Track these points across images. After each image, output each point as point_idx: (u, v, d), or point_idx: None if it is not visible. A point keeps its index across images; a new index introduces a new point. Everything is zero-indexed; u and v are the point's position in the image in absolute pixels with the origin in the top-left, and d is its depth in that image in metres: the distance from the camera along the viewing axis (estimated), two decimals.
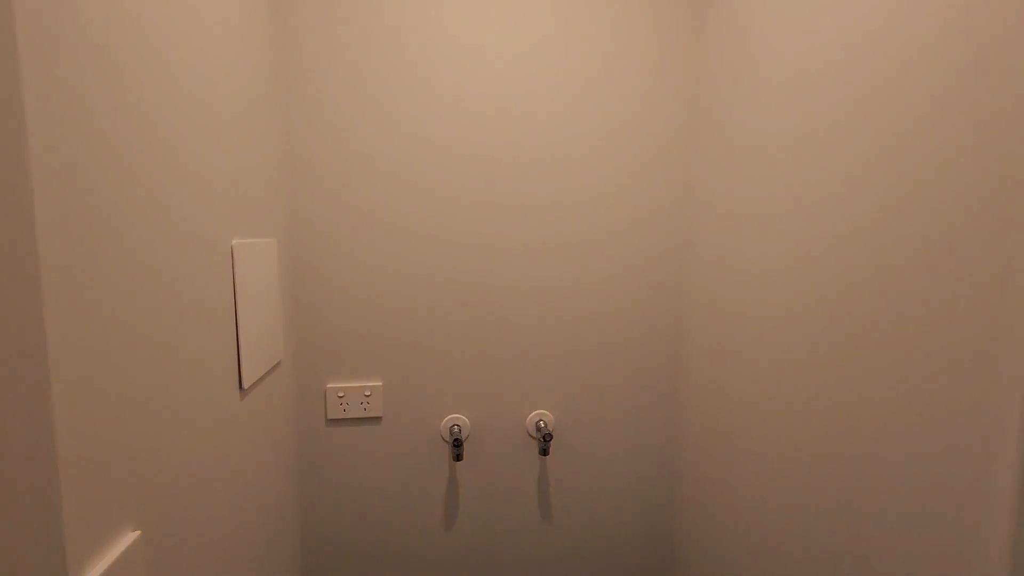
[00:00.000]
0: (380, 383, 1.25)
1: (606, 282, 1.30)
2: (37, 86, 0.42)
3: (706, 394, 1.26)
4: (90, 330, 0.49)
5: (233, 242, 0.84)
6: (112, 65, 0.53)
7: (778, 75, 0.98)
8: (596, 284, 1.30)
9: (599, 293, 1.30)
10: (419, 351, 1.26)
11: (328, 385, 1.23)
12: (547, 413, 1.32)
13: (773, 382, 1.01)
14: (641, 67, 1.24)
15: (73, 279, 0.47)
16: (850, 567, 0.84)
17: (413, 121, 1.19)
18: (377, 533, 1.29)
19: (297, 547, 1.23)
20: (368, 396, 1.24)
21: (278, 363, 1.08)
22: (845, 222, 0.83)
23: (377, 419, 1.26)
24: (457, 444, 1.23)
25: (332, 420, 1.24)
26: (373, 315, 1.23)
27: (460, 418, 1.29)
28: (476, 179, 1.23)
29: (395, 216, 1.21)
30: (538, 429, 1.30)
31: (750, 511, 1.10)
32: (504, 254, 1.26)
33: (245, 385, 0.88)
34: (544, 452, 1.28)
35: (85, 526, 0.49)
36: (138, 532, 0.56)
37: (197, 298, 0.71)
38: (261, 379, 0.98)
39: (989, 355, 0.61)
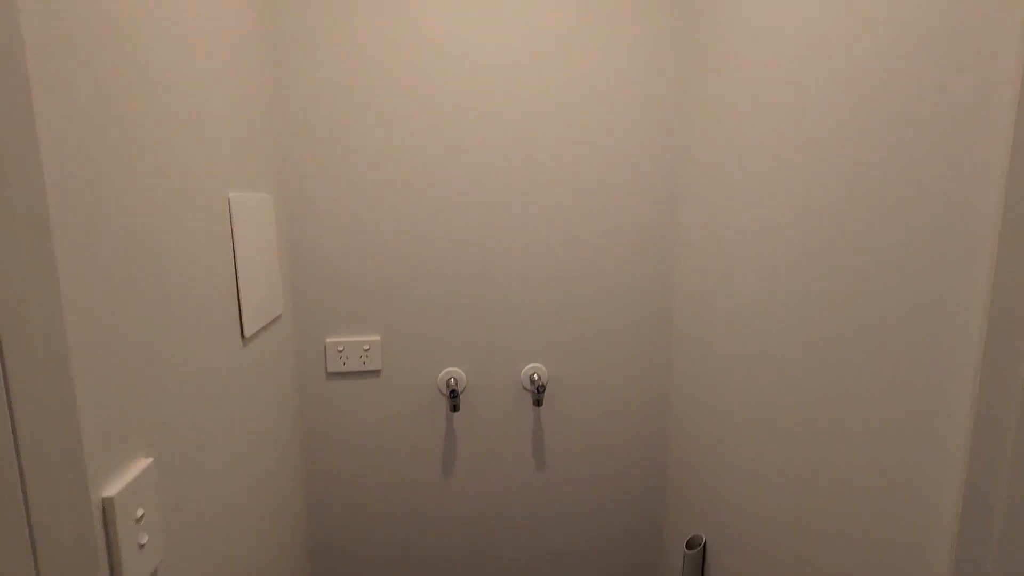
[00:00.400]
0: (378, 337, 1.29)
1: (599, 239, 1.32)
2: (37, 36, 0.44)
3: (697, 345, 1.30)
4: (94, 271, 0.52)
5: (230, 195, 0.86)
6: (108, 12, 0.54)
7: (770, 48, 0.99)
8: (589, 241, 1.32)
9: (592, 250, 1.32)
10: (416, 306, 1.29)
11: (328, 339, 1.27)
12: (540, 366, 1.37)
13: (761, 329, 1.05)
14: (631, 38, 1.24)
15: (79, 223, 0.49)
16: (828, 482, 0.89)
17: (409, 72, 1.20)
18: (377, 480, 1.35)
19: (302, 492, 1.29)
20: (367, 350, 1.28)
21: (278, 316, 1.11)
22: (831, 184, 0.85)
23: (376, 372, 1.30)
24: (454, 395, 1.27)
25: (332, 373, 1.29)
26: (370, 271, 1.26)
27: (456, 371, 1.33)
28: (473, 137, 1.24)
29: (390, 172, 1.23)
30: (532, 381, 1.35)
31: (740, 447, 1.15)
32: (500, 212, 1.28)
33: (247, 334, 0.91)
34: (538, 403, 1.33)
35: (102, 450, 0.52)
36: (151, 459, 0.60)
37: (196, 247, 0.74)
38: (262, 330, 1.02)
39: (947, 344, 0.64)
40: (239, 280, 0.88)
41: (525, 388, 1.37)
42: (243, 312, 0.90)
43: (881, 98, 0.74)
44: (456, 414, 1.35)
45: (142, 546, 0.57)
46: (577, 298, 1.34)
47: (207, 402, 0.77)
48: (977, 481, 0.62)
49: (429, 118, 1.22)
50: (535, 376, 1.35)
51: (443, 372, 1.33)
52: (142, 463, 0.59)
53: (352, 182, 1.22)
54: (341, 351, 1.27)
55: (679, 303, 1.36)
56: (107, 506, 0.52)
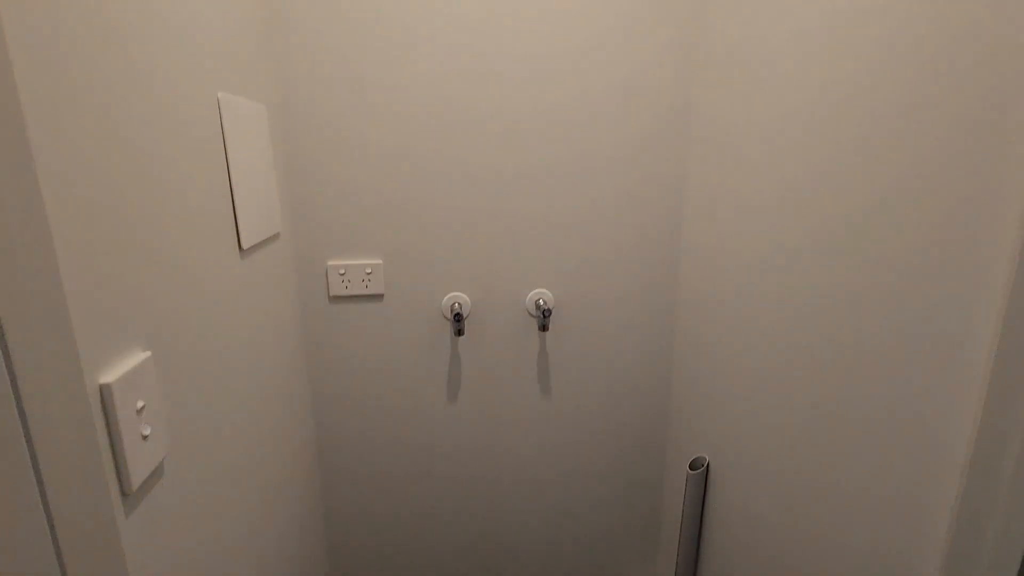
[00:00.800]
0: (380, 261, 1.26)
1: (607, 163, 1.27)
2: None
3: (704, 271, 1.27)
4: (80, 167, 0.48)
5: (219, 95, 0.81)
6: None
7: None
8: (596, 165, 1.27)
9: (599, 172, 1.27)
10: (419, 229, 1.26)
11: (329, 262, 1.24)
12: (546, 291, 1.34)
13: (772, 249, 1.01)
14: None
15: (58, 118, 0.45)
16: (833, 406, 0.88)
17: None
18: (383, 403, 1.35)
19: (309, 412, 1.30)
20: (369, 274, 1.26)
21: (277, 234, 1.08)
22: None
23: (379, 296, 1.28)
24: (458, 319, 1.26)
25: (335, 297, 1.27)
26: (371, 191, 1.21)
27: (460, 296, 1.31)
28: (478, 53, 1.17)
29: (391, 87, 1.16)
30: (537, 307, 1.33)
31: (746, 371, 1.14)
32: (506, 131, 1.22)
33: (244, 246, 0.88)
34: (543, 328, 1.32)
35: (96, 338, 0.50)
36: (148, 352, 0.58)
37: (186, 147, 0.70)
38: (261, 246, 0.99)
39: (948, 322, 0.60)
40: (233, 189, 0.85)
41: (531, 314, 1.36)
42: (239, 222, 0.86)
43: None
44: (461, 339, 1.34)
45: (145, 437, 0.56)
46: (585, 221, 1.31)
47: (206, 307, 0.74)
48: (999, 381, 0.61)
49: (438, 31, 1.14)
50: (540, 301, 1.33)
51: (447, 297, 1.31)
52: (140, 355, 0.57)
53: (351, 96, 1.16)
54: (343, 274, 1.25)
55: (688, 224, 1.32)
56: (105, 393, 0.51)
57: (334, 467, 1.39)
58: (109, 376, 0.52)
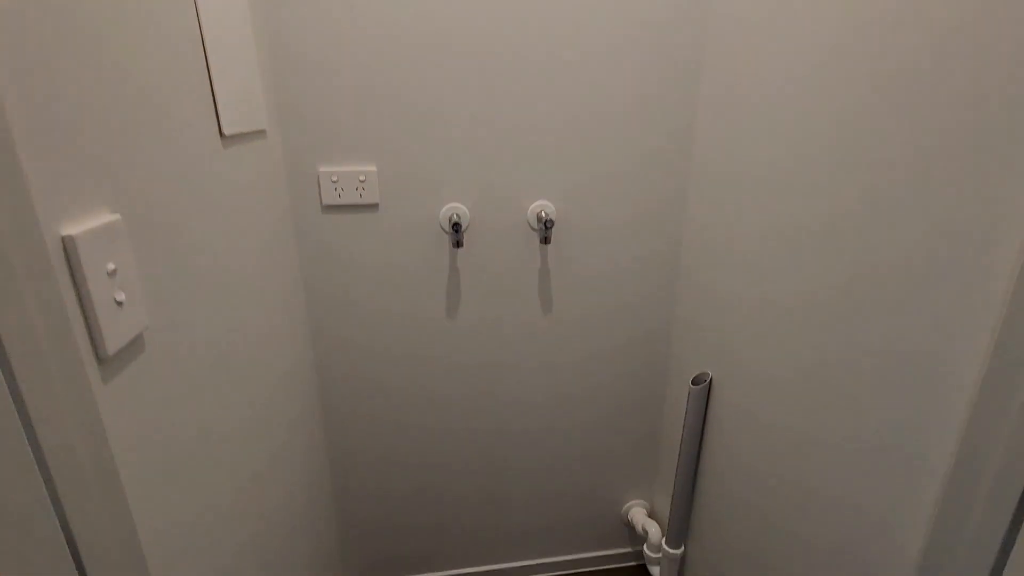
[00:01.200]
0: (374, 168, 1.20)
1: (612, 72, 1.18)
2: None
3: (714, 182, 1.21)
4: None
5: None
6: None
7: None
8: (601, 76, 1.18)
9: (605, 81, 1.19)
10: (415, 134, 1.19)
11: (320, 169, 1.18)
12: (548, 204, 1.29)
13: (782, 160, 0.95)
14: None
15: None
16: (839, 321, 0.84)
17: None
18: (380, 317, 1.32)
19: (305, 321, 1.27)
20: (363, 181, 1.20)
21: (263, 131, 1.02)
22: None
23: (374, 206, 1.23)
24: (456, 229, 1.21)
25: (328, 206, 1.21)
26: (363, 91, 1.14)
27: (459, 207, 1.25)
28: None
29: None
30: (539, 219, 1.28)
31: (751, 287, 1.10)
32: (509, 30, 1.13)
33: (225, 132, 0.82)
34: (545, 240, 1.27)
35: (55, 189, 0.46)
36: (117, 215, 0.54)
37: (157, 17, 0.63)
38: (245, 139, 0.93)
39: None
40: (211, 69, 0.78)
41: (532, 227, 1.30)
42: (219, 105, 0.80)
43: None
44: (460, 251, 1.29)
45: (120, 303, 0.52)
46: (589, 130, 1.23)
47: (185, 188, 0.69)
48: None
49: None
50: (542, 214, 1.28)
51: (445, 208, 1.25)
52: (107, 216, 0.52)
53: None
54: (335, 181, 1.19)
55: (700, 136, 1.25)
56: (68, 245, 0.46)
57: (331, 376, 1.37)
58: (73, 229, 0.47)
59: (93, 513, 0.46)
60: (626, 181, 1.29)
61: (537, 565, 1.70)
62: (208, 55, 0.77)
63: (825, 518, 0.92)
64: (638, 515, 1.66)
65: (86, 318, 0.49)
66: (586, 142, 1.24)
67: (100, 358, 0.50)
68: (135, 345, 0.56)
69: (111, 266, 0.51)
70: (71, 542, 0.44)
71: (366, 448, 1.45)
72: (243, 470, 0.85)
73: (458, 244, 1.22)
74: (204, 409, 0.72)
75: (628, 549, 1.75)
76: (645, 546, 1.60)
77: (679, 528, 1.46)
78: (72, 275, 0.47)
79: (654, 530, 1.58)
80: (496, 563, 1.68)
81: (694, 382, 1.29)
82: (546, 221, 1.24)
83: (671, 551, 1.49)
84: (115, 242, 0.52)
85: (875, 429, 0.80)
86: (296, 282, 1.22)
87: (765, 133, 1.02)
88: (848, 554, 0.88)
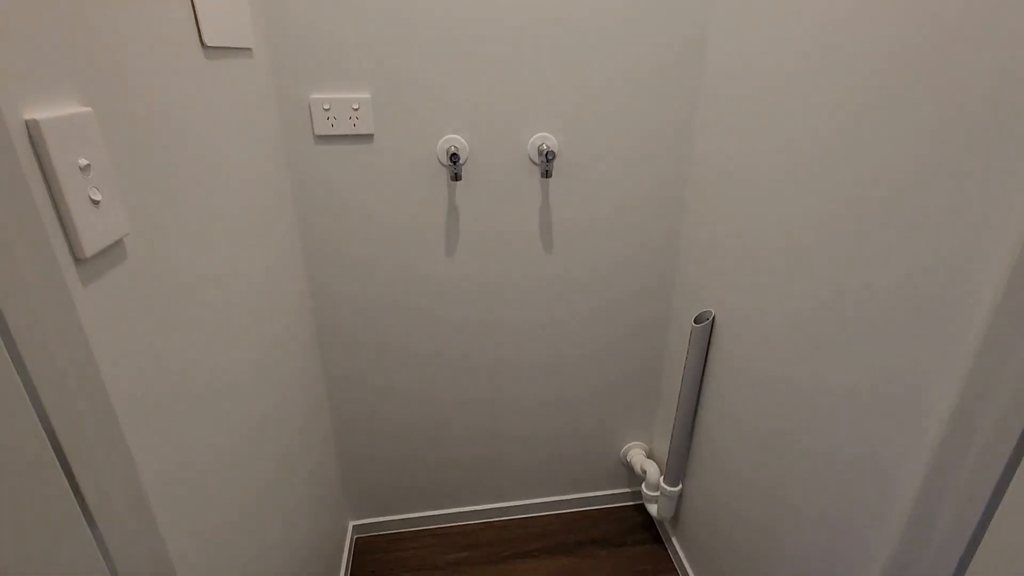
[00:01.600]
0: (368, 95, 1.14)
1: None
2: None
3: (722, 114, 1.15)
4: None
5: None
6: None
7: None
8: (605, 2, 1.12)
9: (607, 3, 1.13)
10: (410, 60, 1.13)
11: (312, 95, 1.13)
12: (550, 136, 1.24)
13: (790, 88, 0.90)
14: None
15: None
16: (842, 259, 0.81)
17: None
18: (377, 253, 1.29)
19: (300, 257, 1.24)
20: (356, 109, 1.14)
21: (248, 49, 0.96)
22: None
23: (368, 136, 1.18)
24: (455, 160, 1.16)
25: (320, 136, 1.16)
26: (357, 12, 1.07)
27: (457, 139, 1.21)
28: None
29: None
30: (540, 152, 1.23)
31: (757, 224, 1.07)
32: None
33: (207, 42, 0.77)
34: (546, 174, 1.23)
35: (13, 64, 0.42)
36: (88, 108, 0.50)
37: None
38: (229, 54, 0.87)
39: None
40: None
41: (533, 161, 1.26)
42: (198, 10, 0.75)
43: None
44: (459, 186, 1.25)
45: (96, 203, 0.49)
46: (591, 57, 1.17)
47: (162, 91, 0.65)
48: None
49: None
50: (543, 146, 1.23)
51: (443, 139, 1.20)
52: (77, 107, 0.49)
53: None
54: (327, 109, 1.13)
55: (711, 59, 1.19)
56: (33, 130, 0.43)
57: (329, 301, 1.36)
58: (38, 114, 0.43)
59: (77, 414, 0.44)
60: (630, 110, 1.23)
61: (536, 504, 1.73)
62: None
63: (818, 447, 0.92)
64: (637, 456, 1.67)
65: (59, 214, 0.46)
66: (589, 70, 1.18)
67: (77, 258, 0.47)
68: (116, 251, 0.53)
69: (83, 161, 0.48)
70: (57, 448, 0.43)
71: (364, 379, 1.44)
72: (244, 401, 0.84)
73: (456, 177, 1.18)
74: (197, 329, 0.70)
75: (626, 489, 1.78)
76: (643, 485, 1.62)
77: (677, 466, 1.47)
78: (40, 165, 0.44)
79: (652, 470, 1.60)
80: (496, 502, 1.71)
81: (696, 320, 1.27)
82: (547, 153, 1.19)
83: (669, 489, 1.51)
84: (87, 136, 0.49)
85: (873, 373, 0.79)
86: (291, 215, 1.18)
87: (783, 37, 0.96)
88: (841, 498, 0.88)
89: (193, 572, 0.65)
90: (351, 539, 1.64)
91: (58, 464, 0.42)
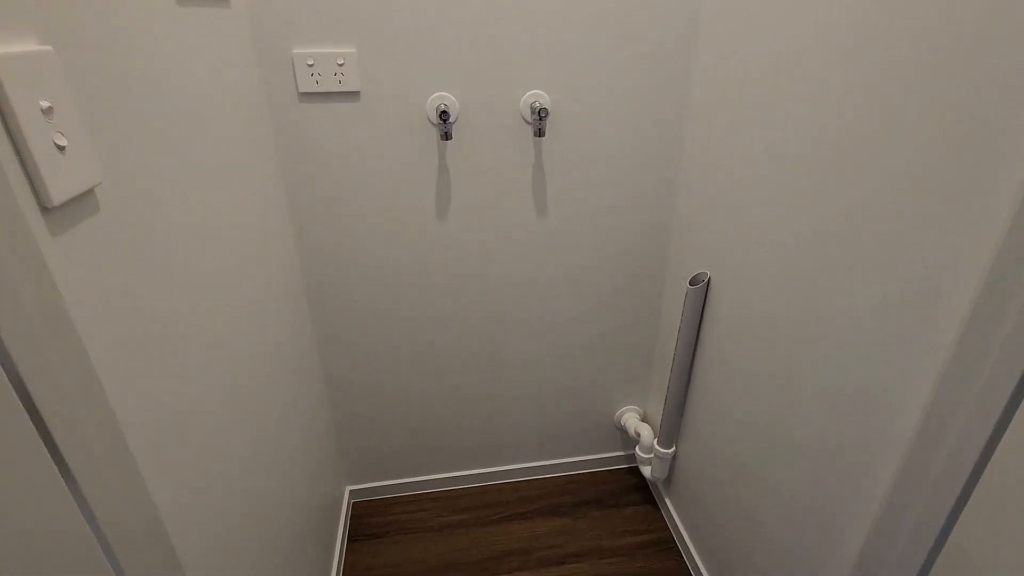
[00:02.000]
0: (354, 50, 1.10)
1: None
2: None
3: (718, 71, 1.12)
4: None
5: None
6: None
7: None
8: None
9: None
10: (397, 12, 1.08)
11: (295, 50, 1.08)
12: (543, 94, 1.20)
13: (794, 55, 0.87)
14: None
15: None
16: (840, 223, 0.79)
17: None
18: (365, 212, 1.26)
19: (288, 219, 1.21)
20: (341, 65, 1.10)
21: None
22: None
23: (355, 94, 1.14)
24: (444, 118, 1.13)
25: (304, 94, 1.12)
26: None
27: (447, 96, 1.17)
28: None
29: None
30: (533, 110, 1.20)
31: (754, 184, 1.04)
32: None
33: None
34: (539, 133, 1.20)
35: None
36: (48, 47, 0.47)
37: None
38: (203, 1, 0.83)
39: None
40: None
41: (525, 120, 1.22)
42: None
43: None
44: (449, 145, 1.22)
45: (62, 148, 0.47)
46: (586, 11, 1.13)
47: (129, 32, 0.62)
48: None
49: None
50: (536, 103, 1.19)
51: (432, 97, 1.17)
52: (35, 46, 0.46)
53: None
54: (311, 65, 1.09)
55: (708, 16, 1.15)
56: None
57: (317, 256, 1.34)
58: None
59: (46, 360, 0.43)
60: (624, 74, 1.20)
61: (531, 467, 1.75)
62: None
63: (810, 409, 0.92)
64: (631, 419, 1.69)
65: (21, 159, 0.43)
66: (582, 27, 1.14)
67: (44, 207, 0.45)
68: (87, 201, 0.51)
69: (45, 103, 0.45)
70: (24, 394, 0.41)
71: (356, 341, 1.42)
72: (229, 356, 0.83)
73: (446, 136, 1.15)
74: (178, 282, 0.68)
75: (620, 452, 1.80)
76: (637, 448, 1.64)
77: (671, 428, 1.48)
78: None
79: (646, 433, 1.62)
80: (491, 466, 1.73)
81: (691, 282, 1.26)
82: (540, 111, 1.16)
83: (663, 450, 1.52)
84: (48, 76, 0.46)
85: (867, 312, 0.78)
86: (276, 176, 1.15)
87: (774, 28, 0.92)
88: (836, 451, 0.88)
89: (183, 525, 0.64)
90: (348, 503, 1.66)
91: (24, 411, 0.40)
